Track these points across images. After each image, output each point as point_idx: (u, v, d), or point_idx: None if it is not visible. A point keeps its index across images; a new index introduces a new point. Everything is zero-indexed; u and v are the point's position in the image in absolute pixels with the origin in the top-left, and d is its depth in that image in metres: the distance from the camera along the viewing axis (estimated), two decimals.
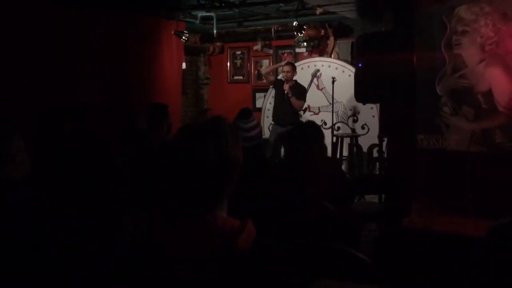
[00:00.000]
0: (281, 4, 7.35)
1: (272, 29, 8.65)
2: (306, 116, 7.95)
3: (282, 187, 2.99)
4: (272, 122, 7.48)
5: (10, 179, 2.08)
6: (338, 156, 7.05)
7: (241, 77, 9.52)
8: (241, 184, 1.44)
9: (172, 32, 7.42)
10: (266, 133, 7.72)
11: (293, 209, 2.83)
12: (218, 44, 9.28)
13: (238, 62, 9.52)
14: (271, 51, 9.13)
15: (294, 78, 7.10)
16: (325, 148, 3.57)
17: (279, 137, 6.84)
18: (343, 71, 7.78)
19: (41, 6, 5.71)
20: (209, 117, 1.44)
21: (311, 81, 8.05)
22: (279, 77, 7.57)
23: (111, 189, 2.00)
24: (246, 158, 1.46)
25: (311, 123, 3.42)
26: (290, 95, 6.85)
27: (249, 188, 2.06)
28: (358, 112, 7.69)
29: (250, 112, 3.60)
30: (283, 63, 7.58)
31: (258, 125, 3.60)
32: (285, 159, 3.57)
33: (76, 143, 3.57)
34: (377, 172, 6.67)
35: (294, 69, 7.12)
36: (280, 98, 7.05)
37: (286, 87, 6.91)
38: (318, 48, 8.46)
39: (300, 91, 7.04)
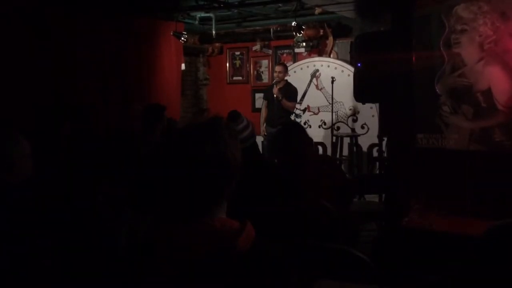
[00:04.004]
0: (280, 4, 7.36)
1: (271, 29, 8.65)
2: (306, 116, 7.97)
3: (281, 187, 2.99)
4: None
5: (7, 182, 2.08)
6: (338, 156, 7.05)
7: (240, 78, 9.51)
8: (239, 184, 1.43)
9: (171, 33, 7.41)
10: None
11: (292, 209, 2.83)
12: (217, 44, 9.28)
13: (237, 62, 9.51)
14: (270, 52, 9.13)
15: (285, 78, 7.14)
16: (311, 141, 3.59)
17: (269, 137, 6.88)
18: (342, 71, 7.78)
19: (39, 8, 5.71)
20: (207, 118, 1.42)
21: (310, 81, 8.05)
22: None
23: (106, 190, 2.00)
24: (243, 160, 1.45)
25: (291, 124, 3.45)
26: (280, 98, 6.88)
27: (248, 188, 2.06)
28: (358, 112, 7.69)
29: (239, 114, 3.55)
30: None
31: (249, 125, 3.55)
32: (282, 160, 3.57)
33: (74, 144, 3.58)
34: (377, 172, 6.67)
35: (286, 69, 7.19)
36: (271, 102, 7.07)
37: (275, 90, 6.96)
38: (317, 48, 8.46)
39: (291, 92, 7.06)
